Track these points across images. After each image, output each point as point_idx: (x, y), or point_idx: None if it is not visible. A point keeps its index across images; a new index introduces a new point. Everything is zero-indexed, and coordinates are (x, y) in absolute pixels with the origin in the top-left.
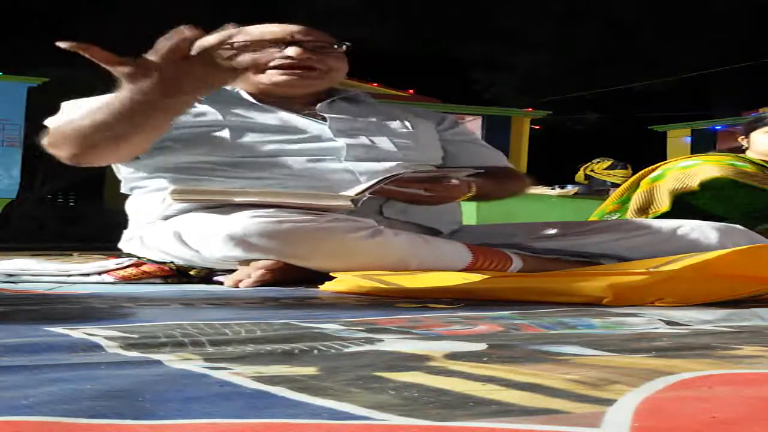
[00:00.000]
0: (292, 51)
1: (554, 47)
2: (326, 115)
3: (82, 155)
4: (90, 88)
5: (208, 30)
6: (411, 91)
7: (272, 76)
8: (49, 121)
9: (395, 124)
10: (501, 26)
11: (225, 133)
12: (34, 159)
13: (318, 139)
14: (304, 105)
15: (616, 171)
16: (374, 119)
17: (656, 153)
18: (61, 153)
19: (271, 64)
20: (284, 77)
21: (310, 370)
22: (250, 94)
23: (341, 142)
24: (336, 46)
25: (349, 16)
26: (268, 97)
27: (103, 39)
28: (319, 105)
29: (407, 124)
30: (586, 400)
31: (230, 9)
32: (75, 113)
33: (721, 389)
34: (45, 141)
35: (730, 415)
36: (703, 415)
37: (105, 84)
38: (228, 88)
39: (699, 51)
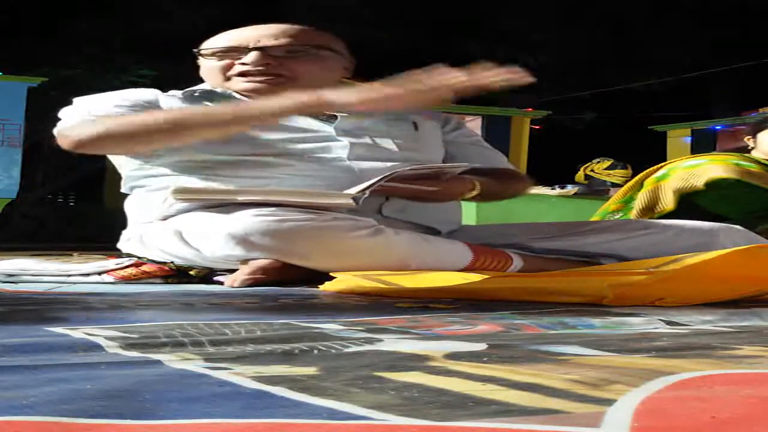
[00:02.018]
0: (248, 58)
1: (554, 47)
2: (338, 114)
3: (93, 146)
4: (89, 88)
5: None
6: None
7: (237, 83)
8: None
9: (400, 124)
10: (501, 26)
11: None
12: (34, 159)
13: (321, 138)
14: None
15: (616, 171)
16: (381, 119)
17: (656, 153)
18: (85, 134)
19: (233, 71)
20: (248, 84)
21: (310, 370)
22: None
23: (345, 141)
24: (333, 51)
25: (348, 16)
26: None
27: (102, 39)
28: None
29: (412, 124)
30: (586, 400)
31: (228, 8)
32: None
33: (721, 389)
34: (71, 120)
35: (730, 415)
36: (703, 415)
37: (104, 84)
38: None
39: (699, 51)
